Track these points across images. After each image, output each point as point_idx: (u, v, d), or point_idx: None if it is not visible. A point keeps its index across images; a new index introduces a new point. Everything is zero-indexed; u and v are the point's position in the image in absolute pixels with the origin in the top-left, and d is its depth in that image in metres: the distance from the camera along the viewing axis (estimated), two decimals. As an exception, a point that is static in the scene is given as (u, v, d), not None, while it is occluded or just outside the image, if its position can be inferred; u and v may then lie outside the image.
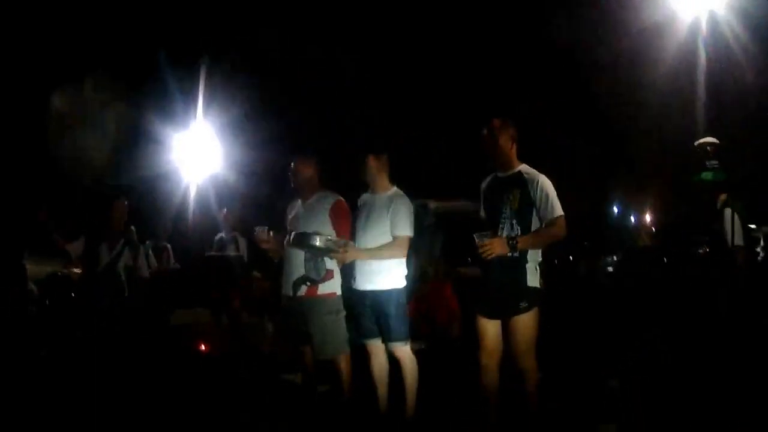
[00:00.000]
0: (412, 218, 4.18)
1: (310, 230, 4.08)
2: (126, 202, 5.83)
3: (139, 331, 5.82)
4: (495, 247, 3.59)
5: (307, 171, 4.34)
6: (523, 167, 3.80)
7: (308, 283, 4.15)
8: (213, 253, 7.48)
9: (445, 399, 4.65)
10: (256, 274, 7.10)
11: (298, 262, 4.17)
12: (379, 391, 4.25)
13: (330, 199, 4.30)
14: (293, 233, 4.10)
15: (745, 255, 4.65)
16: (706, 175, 4.59)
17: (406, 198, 4.22)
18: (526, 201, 3.69)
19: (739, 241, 4.51)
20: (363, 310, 4.23)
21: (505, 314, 3.72)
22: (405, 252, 4.18)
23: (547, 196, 3.65)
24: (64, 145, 10.53)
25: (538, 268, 3.73)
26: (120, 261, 5.71)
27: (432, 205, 7.23)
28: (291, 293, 4.20)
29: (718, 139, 4.79)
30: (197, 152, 9.75)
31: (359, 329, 4.30)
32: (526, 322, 3.66)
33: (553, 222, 3.64)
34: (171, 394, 5.13)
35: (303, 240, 4.02)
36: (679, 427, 3.95)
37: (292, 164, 4.36)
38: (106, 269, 5.66)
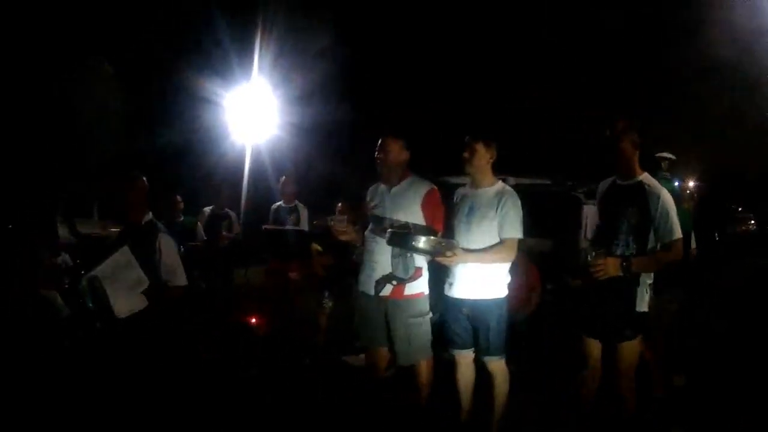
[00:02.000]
0: (521, 217, 3.76)
1: (398, 222, 3.76)
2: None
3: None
4: (609, 268, 3.33)
5: (399, 152, 3.91)
6: (645, 177, 3.52)
7: (394, 282, 3.80)
8: (270, 226, 6.80)
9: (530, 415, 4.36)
10: (316, 247, 6.50)
11: (381, 257, 3.82)
12: (462, 404, 3.94)
13: (423, 188, 3.88)
14: (390, 232, 3.64)
15: None
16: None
17: (515, 194, 3.80)
18: (645, 216, 3.41)
19: None
20: (457, 319, 3.87)
21: (608, 338, 3.56)
22: (513, 256, 3.77)
23: (667, 214, 3.38)
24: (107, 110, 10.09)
25: (648, 291, 3.49)
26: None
27: (511, 181, 6.82)
28: (372, 292, 3.85)
29: None
30: (252, 111, 9.03)
31: (449, 338, 3.95)
32: (631, 348, 3.50)
33: (671, 245, 3.39)
34: (216, 374, 5.00)
35: (404, 241, 3.59)
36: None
37: (381, 143, 3.93)
38: None
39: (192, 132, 9.84)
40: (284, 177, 7.05)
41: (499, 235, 3.72)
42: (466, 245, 3.73)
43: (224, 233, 7.32)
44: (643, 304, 3.47)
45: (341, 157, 10.18)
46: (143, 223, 3.74)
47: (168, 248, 3.67)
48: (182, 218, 7.18)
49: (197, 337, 5.56)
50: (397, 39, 11.23)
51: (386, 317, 3.88)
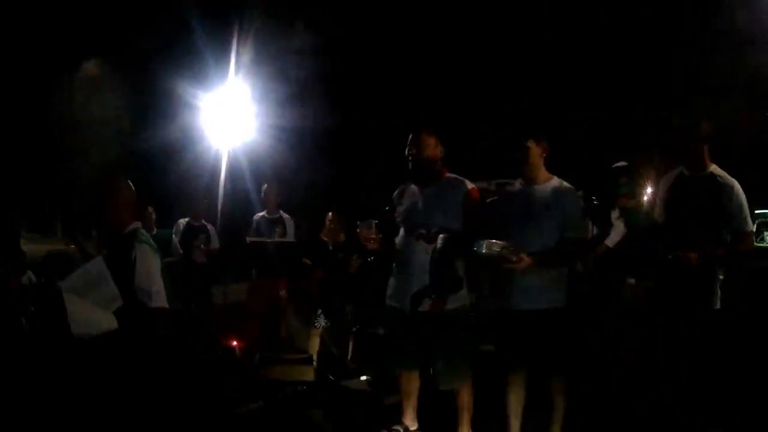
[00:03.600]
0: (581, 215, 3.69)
1: (435, 225, 3.49)
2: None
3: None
4: (694, 261, 3.22)
5: (434, 148, 3.62)
6: (715, 168, 3.43)
7: (435, 295, 3.47)
8: (255, 238, 6.21)
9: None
10: (306, 261, 5.99)
11: (416, 267, 3.52)
12: (513, 428, 3.55)
13: (462, 187, 3.62)
14: (444, 238, 3.37)
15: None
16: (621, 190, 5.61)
17: (573, 189, 3.56)
18: (718, 208, 3.34)
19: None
20: (513, 334, 3.45)
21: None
22: (579, 258, 3.75)
23: (741, 206, 3.32)
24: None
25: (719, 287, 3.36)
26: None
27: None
28: (407, 307, 3.54)
29: None
30: (230, 114, 8.42)
31: (504, 355, 3.55)
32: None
33: (744, 238, 3.35)
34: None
35: (463, 248, 3.29)
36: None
37: (413, 138, 3.63)
38: None
39: (165, 137, 9.18)
40: (266, 185, 6.48)
41: (564, 235, 3.40)
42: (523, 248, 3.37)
43: (201, 247, 6.68)
44: (717, 300, 3.34)
45: (329, 162, 9.69)
46: (125, 232, 3.14)
47: (144, 262, 3.04)
48: (155, 231, 6.55)
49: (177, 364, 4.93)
50: (386, 35, 10.73)
51: (425, 335, 3.54)
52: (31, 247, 7.04)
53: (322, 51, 9.65)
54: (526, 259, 3.24)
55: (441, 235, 3.40)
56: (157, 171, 9.57)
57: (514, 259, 3.21)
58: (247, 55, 8.84)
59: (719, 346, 3.49)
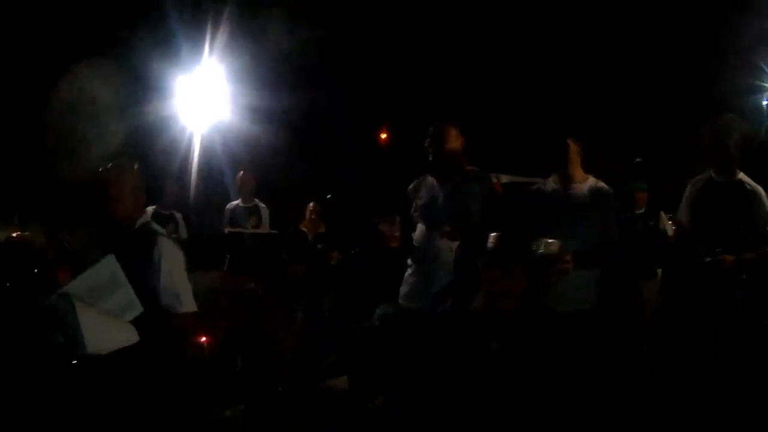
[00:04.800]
0: None
1: (458, 221, 3.37)
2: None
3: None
4: (729, 263, 3.34)
5: (456, 139, 3.48)
6: (743, 176, 3.54)
7: (458, 295, 3.34)
8: (233, 228, 5.82)
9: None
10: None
11: (440, 265, 3.37)
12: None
13: (485, 181, 3.50)
14: (496, 236, 3.23)
15: None
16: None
17: (611, 191, 3.44)
18: (744, 213, 3.44)
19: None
20: (541, 338, 3.27)
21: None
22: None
23: (767, 213, 3.44)
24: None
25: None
26: None
27: (504, 179, 6.68)
28: (428, 308, 3.38)
29: None
30: (202, 95, 7.96)
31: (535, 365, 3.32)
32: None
33: None
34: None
35: (514, 247, 3.20)
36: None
37: (434, 130, 3.50)
38: None
39: (133, 119, 8.68)
40: (242, 172, 6.12)
41: (597, 238, 3.29)
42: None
43: (169, 235, 6.24)
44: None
45: (309, 149, 9.32)
46: (136, 226, 2.69)
47: (171, 259, 2.62)
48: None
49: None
50: (373, 12, 10.32)
51: (445, 339, 3.38)
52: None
53: (306, 25, 9.20)
54: (572, 260, 3.16)
55: (492, 234, 3.26)
56: (125, 155, 9.09)
57: (567, 258, 3.11)
58: (223, 33, 8.36)
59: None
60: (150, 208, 6.42)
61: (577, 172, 3.43)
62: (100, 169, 2.69)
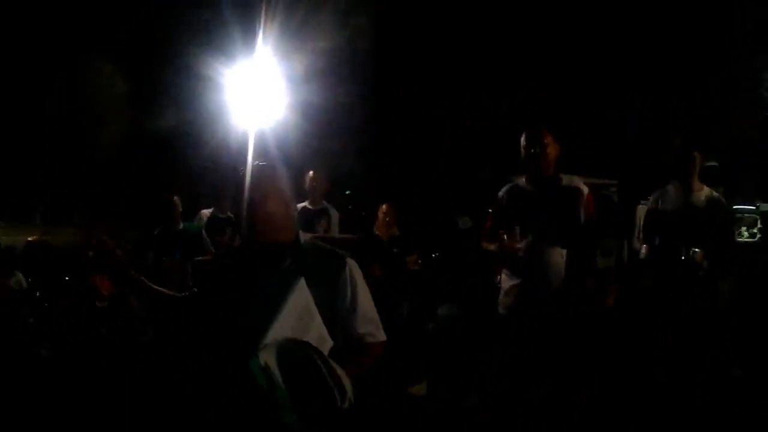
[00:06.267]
0: None
1: (563, 228, 3.38)
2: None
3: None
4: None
5: (555, 146, 3.47)
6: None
7: (572, 301, 3.35)
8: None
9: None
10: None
11: (550, 271, 3.35)
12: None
13: (582, 187, 3.50)
14: (577, 240, 3.33)
15: None
16: None
17: (724, 201, 3.99)
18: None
19: None
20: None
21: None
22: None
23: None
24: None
25: None
26: None
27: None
28: (539, 313, 3.37)
29: None
30: (259, 93, 7.58)
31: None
32: None
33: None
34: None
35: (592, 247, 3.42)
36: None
37: (536, 135, 3.44)
38: None
39: (185, 118, 8.33)
40: (312, 172, 5.70)
41: (717, 247, 3.90)
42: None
43: (227, 241, 5.82)
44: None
45: (375, 147, 8.86)
46: (292, 243, 2.20)
47: (363, 283, 2.24)
48: (182, 225, 5.70)
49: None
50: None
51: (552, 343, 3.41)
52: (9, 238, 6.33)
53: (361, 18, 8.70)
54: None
55: (575, 240, 3.35)
56: (178, 156, 8.75)
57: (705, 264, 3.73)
58: (276, 24, 7.92)
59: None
60: (206, 211, 6.06)
61: (696, 182, 3.97)
62: (243, 170, 2.25)
